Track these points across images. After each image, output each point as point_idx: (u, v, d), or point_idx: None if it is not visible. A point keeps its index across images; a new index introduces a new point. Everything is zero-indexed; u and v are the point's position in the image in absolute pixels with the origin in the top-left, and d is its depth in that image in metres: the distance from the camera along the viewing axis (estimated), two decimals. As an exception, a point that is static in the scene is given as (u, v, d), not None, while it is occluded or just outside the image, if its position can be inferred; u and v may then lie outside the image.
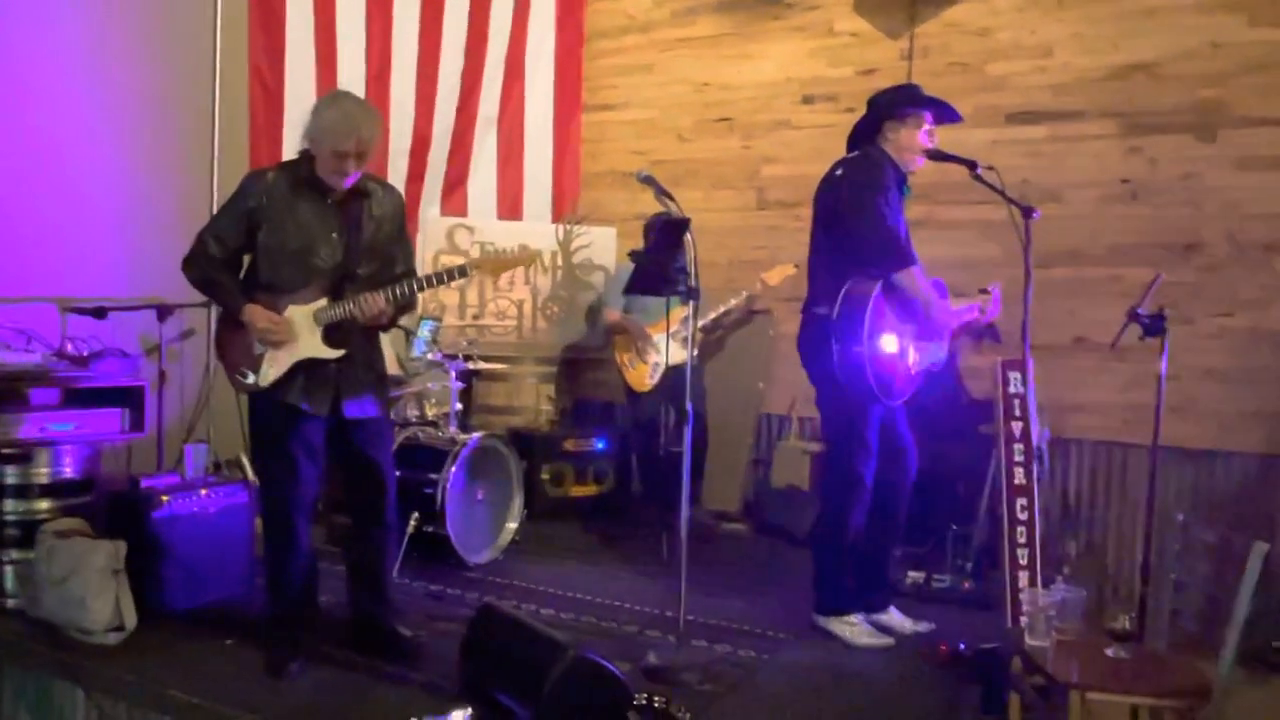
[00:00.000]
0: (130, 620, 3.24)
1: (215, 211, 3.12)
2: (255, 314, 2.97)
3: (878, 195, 3.27)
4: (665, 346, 4.69)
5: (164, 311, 4.21)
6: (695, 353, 4.80)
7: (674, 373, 4.56)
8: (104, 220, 4.35)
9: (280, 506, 3.07)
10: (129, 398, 3.77)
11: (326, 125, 2.89)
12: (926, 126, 3.41)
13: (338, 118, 2.88)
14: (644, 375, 4.84)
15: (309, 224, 2.99)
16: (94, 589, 3.18)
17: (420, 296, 5.03)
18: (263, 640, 3.14)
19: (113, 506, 3.51)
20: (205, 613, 3.45)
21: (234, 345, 3.04)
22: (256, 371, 3.00)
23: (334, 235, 3.02)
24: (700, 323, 4.94)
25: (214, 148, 4.71)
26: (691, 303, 3.31)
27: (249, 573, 3.65)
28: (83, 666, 3.03)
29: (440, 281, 3.12)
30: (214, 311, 4.61)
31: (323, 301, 3.01)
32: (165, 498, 3.44)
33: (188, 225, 4.58)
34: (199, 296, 4.44)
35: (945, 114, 3.47)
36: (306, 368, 3.01)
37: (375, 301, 2.98)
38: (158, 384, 4.16)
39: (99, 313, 4.01)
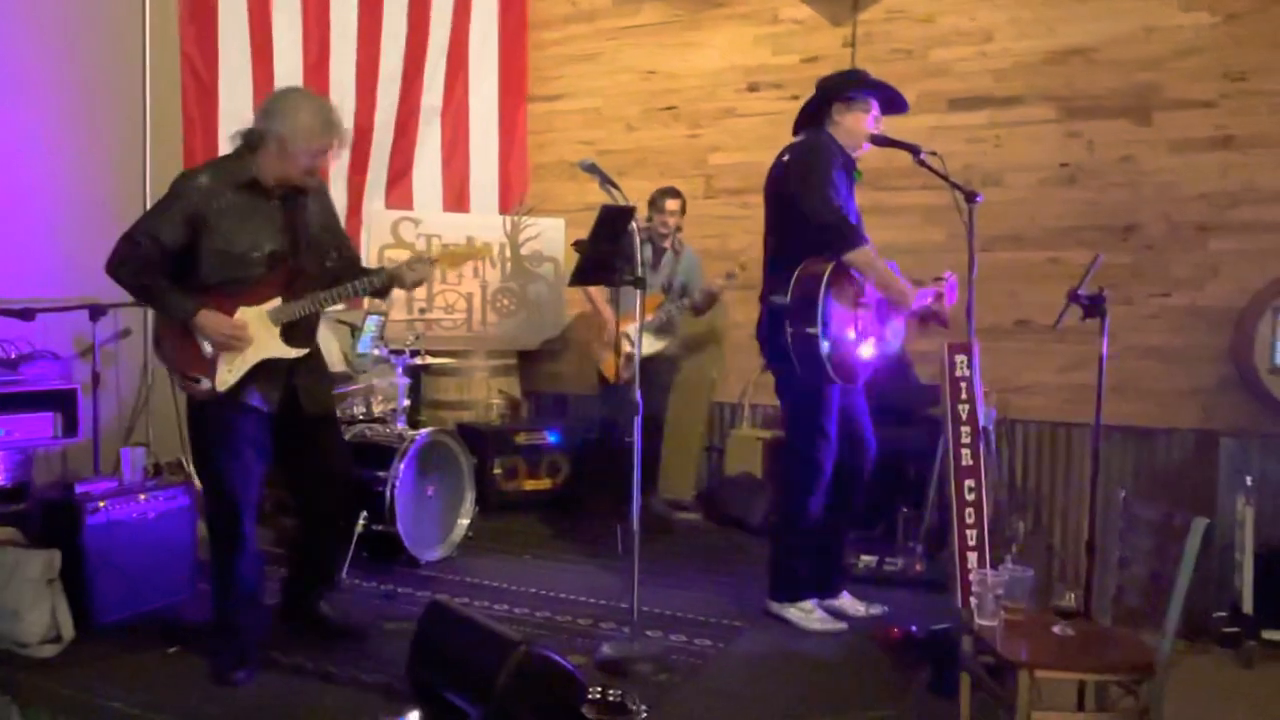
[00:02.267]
0: (67, 631, 3.15)
1: (147, 213, 2.97)
2: (212, 320, 2.87)
3: (824, 178, 3.27)
4: (639, 337, 4.65)
5: (97, 311, 4.07)
6: (658, 343, 4.80)
7: (646, 364, 4.53)
8: (31, 218, 4.20)
9: (232, 510, 2.99)
10: (61, 401, 3.66)
11: (304, 125, 2.84)
12: (873, 113, 3.42)
13: (315, 118, 2.86)
14: (615, 366, 4.81)
15: (256, 224, 2.93)
16: (28, 600, 3.08)
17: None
18: (208, 647, 3.07)
19: (46, 514, 3.38)
20: (146, 621, 3.35)
21: (180, 350, 2.94)
22: (211, 376, 2.92)
23: (280, 233, 2.97)
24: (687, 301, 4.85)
25: (146, 141, 4.57)
26: (640, 292, 3.28)
27: (191, 578, 3.56)
28: (18, 680, 2.92)
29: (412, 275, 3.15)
30: (150, 312, 4.50)
31: (277, 301, 2.97)
32: (102, 503, 3.33)
33: (120, 222, 4.42)
34: (132, 296, 4.36)
35: (893, 102, 3.47)
36: (259, 367, 2.96)
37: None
38: (91, 386, 4.03)
39: (26, 314, 3.87)
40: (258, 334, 2.94)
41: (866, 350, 3.42)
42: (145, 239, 2.88)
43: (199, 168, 3.05)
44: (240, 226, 2.90)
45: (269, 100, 2.97)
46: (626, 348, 4.69)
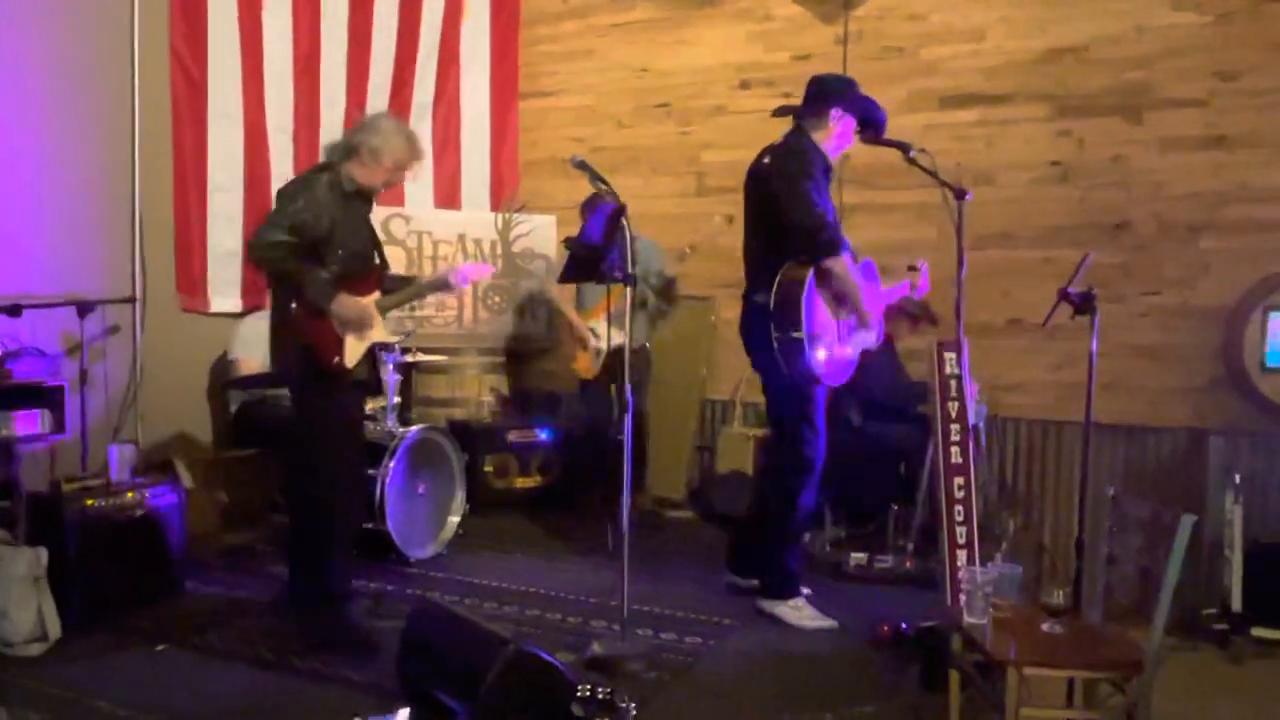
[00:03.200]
0: (54, 630, 3.13)
1: (289, 209, 3.18)
2: (350, 302, 3.21)
3: (808, 183, 3.30)
4: (607, 330, 4.65)
5: (84, 308, 4.05)
6: (633, 338, 4.77)
7: (617, 357, 4.51)
8: (18, 214, 4.17)
9: (337, 485, 3.28)
10: (48, 398, 3.64)
11: (396, 143, 3.28)
12: (854, 126, 3.44)
13: (405, 139, 3.31)
14: (587, 363, 4.81)
15: (363, 226, 3.39)
16: (15, 598, 3.07)
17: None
18: (322, 621, 3.23)
19: (33, 511, 3.36)
20: (134, 619, 3.33)
21: (323, 331, 3.22)
22: (341, 353, 3.27)
23: (373, 234, 3.46)
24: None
25: (134, 138, 4.54)
26: (629, 289, 3.27)
27: (179, 576, 3.55)
28: (3, 680, 2.91)
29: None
30: (140, 309, 4.48)
31: (377, 294, 3.39)
32: (90, 501, 3.32)
33: (108, 219, 4.46)
34: (121, 293, 4.35)
35: (871, 123, 3.47)
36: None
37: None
38: (79, 383, 4.01)
39: (14, 310, 3.84)
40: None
41: (848, 350, 3.44)
42: (288, 230, 3.13)
43: (316, 172, 3.31)
44: (354, 228, 3.31)
45: (367, 118, 3.40)
46: (593, 342, 4.70)
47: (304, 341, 3.22)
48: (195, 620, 3.37)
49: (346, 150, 3.29)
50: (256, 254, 3.19)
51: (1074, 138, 4.65)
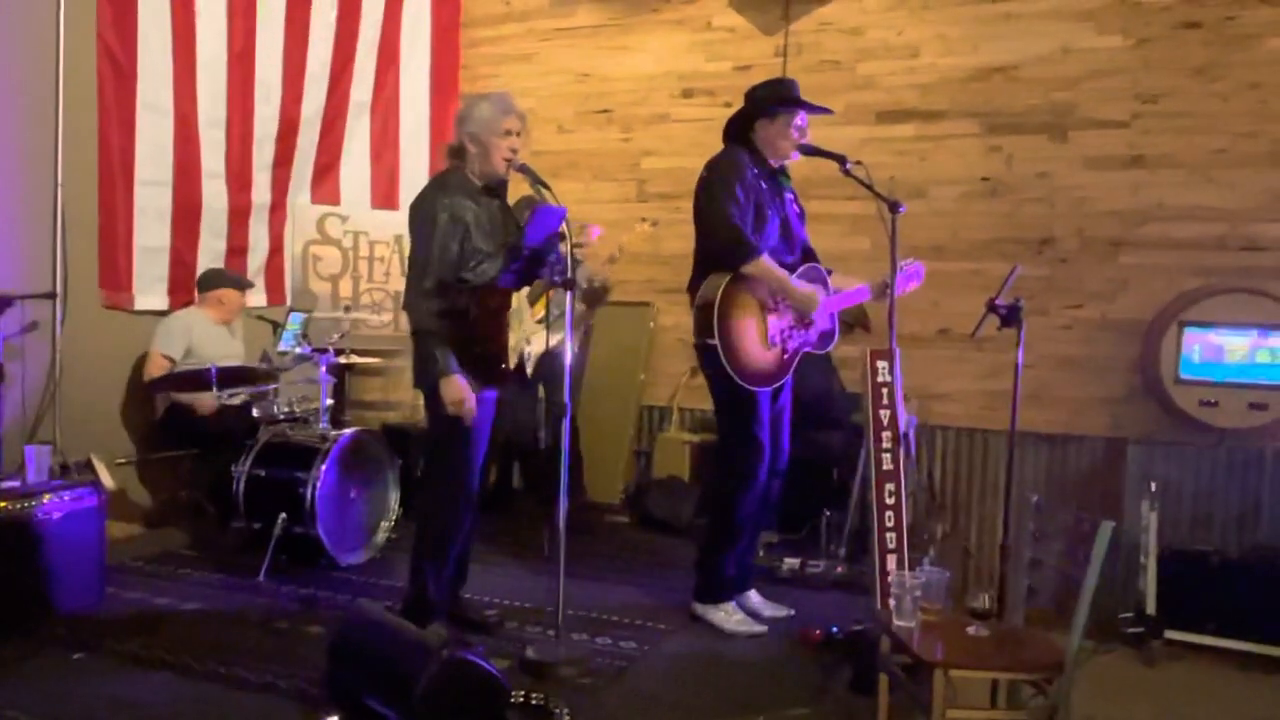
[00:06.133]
0: (-36, 637, 3.01)
1: (429, 244, 3.10)
2: (459, 388, 3.09)
3: (726, 193, 3.34)
4: (544, 336, 4.63)
5: (2, 303, 3.90)
6: (576, 345, 4.77)
7: (547, 361, 4.50)
8: (-69, 204, 4.00)
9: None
10: (-39, 397, 3.48)
11: (485, 115, 3.13)
12: (798, 122, 3.48)
13: (492, 105, 3.14)
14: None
15: (503, 226, 3.22)
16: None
17: (289, 287, 4.84)
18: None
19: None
20: (50, 626, 3.22)
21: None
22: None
23: (514, 228, 3.25)
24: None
25: (58, 127, 4.38)
26: (569, 293, 3.27)
27: (99, 583, 3.43)
28: (-93, 690, 2.79)
29: None
30: (59, 305, 4.32)
31: (525, 289, 3.40)
32: (3, 504, 3.19)
33: (29, 211, 4.30)
34: (41, 288, 4.20)
35: (815, 108, 3.54)
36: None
37: None
38: (-6, 381, 3.86)
39: (-74, 305, 3.70)
40: (525, 318, 3.33)
41: (783, 353, 3.46)
42: (440, 276, 3.07)
43: (437, 186, 3.19)
44: (490, 230, 3.17)
45: (458, 113, 3.25)
46: (525, 347, 4.69)
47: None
48: (115, 627, 3.27)
49: (453, 153, 3.21)
50: (431, 326, 3.11)
51: (1003, 154, 4.79)
